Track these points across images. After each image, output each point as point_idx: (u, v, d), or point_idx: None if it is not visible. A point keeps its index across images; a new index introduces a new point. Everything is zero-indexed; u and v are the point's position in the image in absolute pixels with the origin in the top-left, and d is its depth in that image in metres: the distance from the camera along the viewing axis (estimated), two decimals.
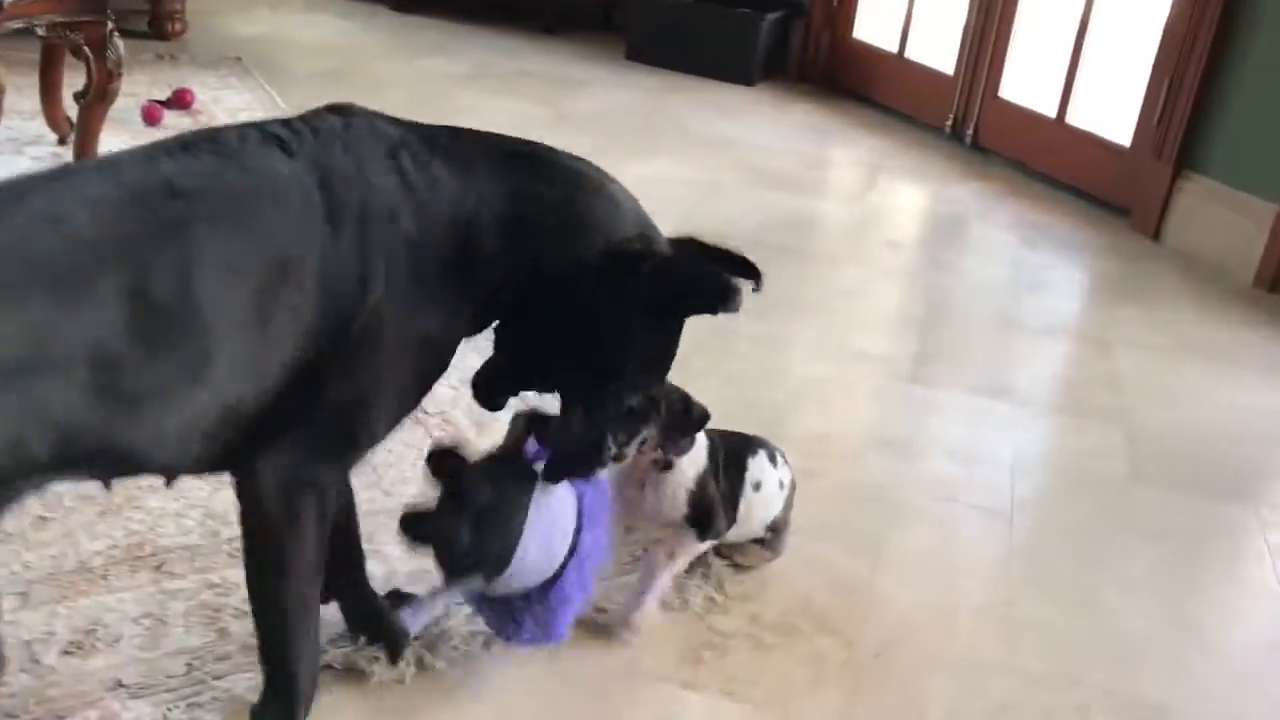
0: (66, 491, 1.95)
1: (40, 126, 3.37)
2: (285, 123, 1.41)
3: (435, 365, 1.47)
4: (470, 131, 1.50)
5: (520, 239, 1.43)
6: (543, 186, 1.47)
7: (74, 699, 1.57)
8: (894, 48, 4.56)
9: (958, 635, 1.88)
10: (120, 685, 1.60)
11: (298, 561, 1.42)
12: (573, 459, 1.57)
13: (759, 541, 1.95)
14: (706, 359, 2.50)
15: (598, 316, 1.46)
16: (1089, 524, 2.20)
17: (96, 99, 2.84)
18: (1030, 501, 2.25)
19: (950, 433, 2.44)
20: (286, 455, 1.37)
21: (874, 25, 4.68)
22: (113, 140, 3.02)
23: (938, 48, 4.38)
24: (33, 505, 1.88)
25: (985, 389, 2.63)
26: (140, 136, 3.44)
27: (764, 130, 4.24)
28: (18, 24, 2.56)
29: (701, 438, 1.83)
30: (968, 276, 3.28)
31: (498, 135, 1.51)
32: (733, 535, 1.89)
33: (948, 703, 1.74)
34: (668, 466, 1.76)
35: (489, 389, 1.58)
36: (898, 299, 3.05)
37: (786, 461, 1.98)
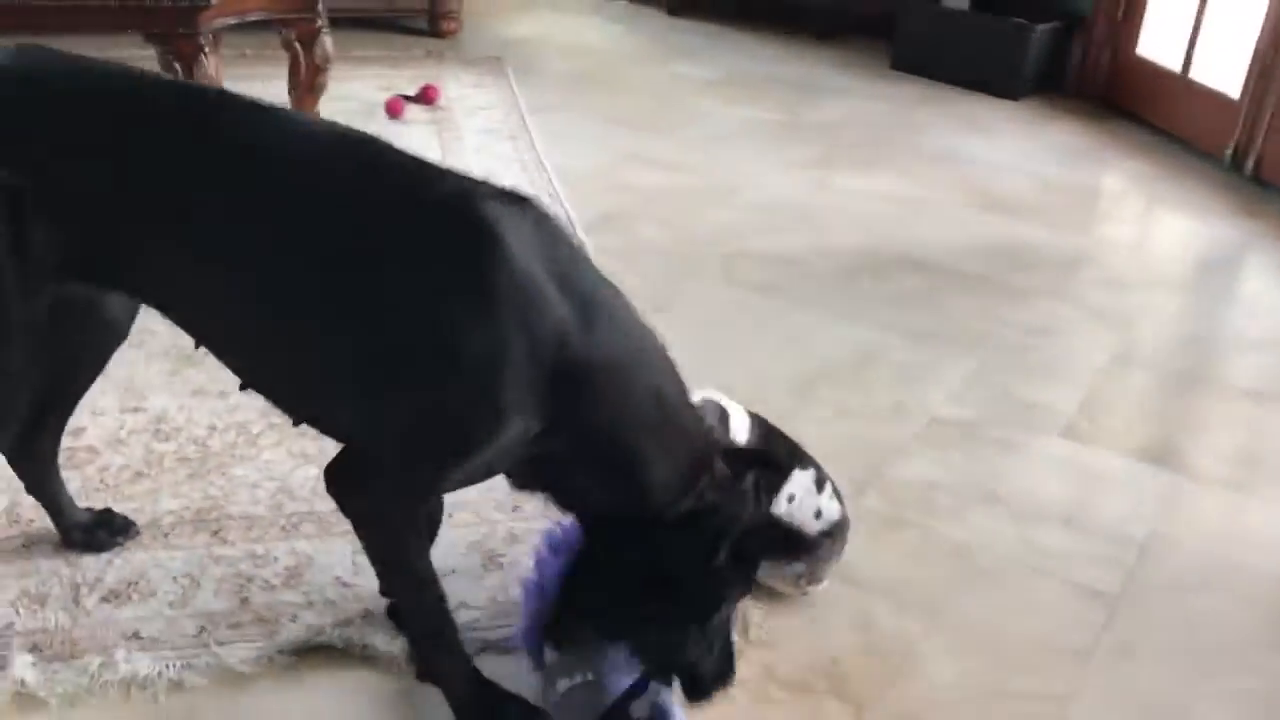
0: (171, 451, 2.13)
1: None
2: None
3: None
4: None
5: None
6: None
7: (90, 643, 1.70)
8: (1177, 66, 4.13)
9: (981, 715, 1.69)
10: (136, 637, 1.72)
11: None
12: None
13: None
14: (833, 386, 2.41)
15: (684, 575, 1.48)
16: (1216, 634, 1.91)
17: (305, 91, 3.06)
18: (1151, 591, 1.98)
19: (1081, 498, 2.19)
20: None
21: (1158, 41, 4.26)
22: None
23: (1225, 68, 3.93)
24: (135, 461, 2.08)
25: (1147, 452, 2.34)
26: (381, 129, 3.68)
27: (1008, 148, 3.97)
28: (230, 19, 2.80)
29: (745, 422, 1.81)
30: (1182, 323, 2.93)
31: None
32: None
33: None
34: None
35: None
36: (1086, 343, 2.76)
37: (838, 497, 1.89)
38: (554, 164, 3.51)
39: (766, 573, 1.83)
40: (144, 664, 1.68)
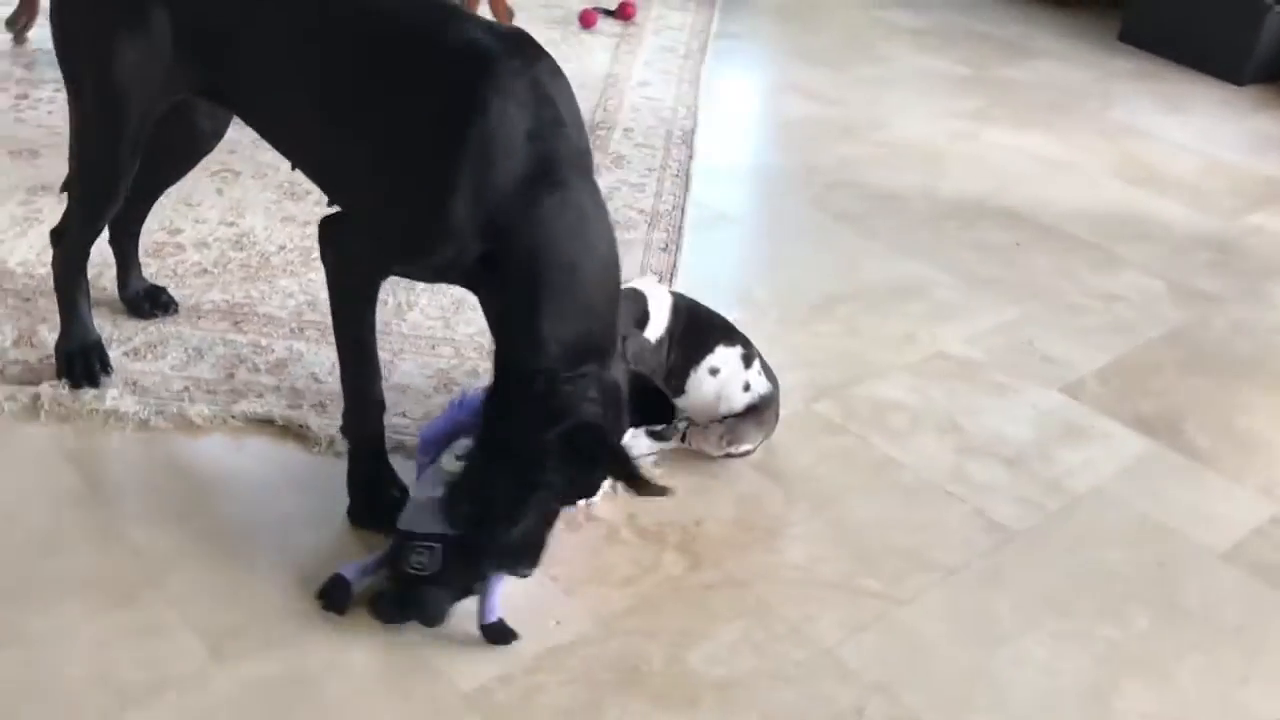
0: (239, 259, 2.48)
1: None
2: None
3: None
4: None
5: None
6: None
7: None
8: None
9: (805, 599, 1.77)
10: (134, 384, 2.07)
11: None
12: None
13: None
14: (855, 308, 2.51)
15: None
16: (1095, 584, 1.88)
17: None
18: (1056, 535, 1.95)
19: (1042, 445, 2.17)
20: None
21: None
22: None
23: None
24: (208, 261, 2.45)
25: (1143, 423, 2.26)
26: (569, 36, 3.96)
27: (1199, 130, 3.74)
28: None
29: (667, 305, 1.97)
30: (1263, 318, 2.73)
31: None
32: (682, 405, 1.97)
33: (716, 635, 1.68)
34: None
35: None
36: (1148, 317, 2.64)
37: (767, 373, 2.04)
38: (710, 84, 3.65)
39: (694, 434, 2.01)
40: (128, 404, 2.02)
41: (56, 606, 1.63)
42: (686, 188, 3.00)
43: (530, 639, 1.65)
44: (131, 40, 1.80)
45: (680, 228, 2.80)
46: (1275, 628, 1.82)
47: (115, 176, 1.92)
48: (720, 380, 2.00)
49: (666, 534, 1.87)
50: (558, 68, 1.68)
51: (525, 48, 1.65)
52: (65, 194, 2.15)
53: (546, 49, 1.68)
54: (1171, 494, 2.08)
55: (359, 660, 1.60)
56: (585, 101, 3.28)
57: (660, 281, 2.06)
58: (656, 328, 1.97)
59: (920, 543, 1.91)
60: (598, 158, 2.91)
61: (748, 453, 2.04)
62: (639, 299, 1.96)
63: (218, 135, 2.15)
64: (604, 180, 2.81)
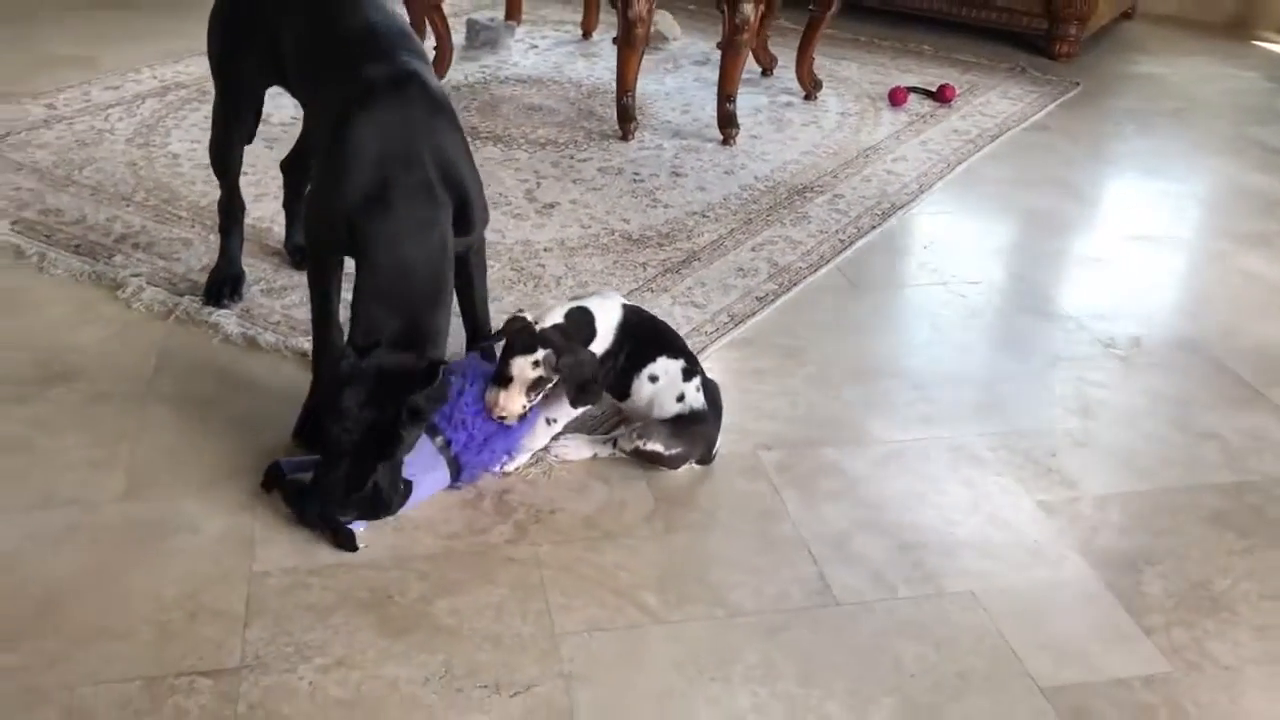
0: None
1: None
2: None
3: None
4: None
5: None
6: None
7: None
8: None
9: (581, 593, 1.90)
10: (245, 310, 2.66)
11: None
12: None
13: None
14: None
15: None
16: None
17: (726, 46, 3.64)
18: (872, 614, 1.90)
19: (971, 544, 2.07)
20: None
21: None
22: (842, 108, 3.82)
23: None
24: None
25: (1102, 559, 2.06)
26: (879, 113, 4.13)
27: None
28: None
29: (614, 321, 2.16)
30: None
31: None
32: (628, 408, 2.21)
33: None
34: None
35: None
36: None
37: (711, 405, 2.20)
38: (978, 171, 3.66)
39: (622, 435, 2.22)
40: (230, 323, 2.60)
41: (60, 423, 2.22)
42: (836, 254, 3.08)
43: (332, 551, 1.96)
44: (246, 52, 2.39)
45: (791, 284, 2.91)
46: None
47: (229, 142, 2.55)
48: (657, 387, 2.17)
49: (517, 511, 2.09)
50: (441, 109, 2.04)
51: (405, 89, 2.01)
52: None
53: (438, 94, 2.06)
54: (1055, 627, 1.91)
55: (212, 528, 2.01)
56: (812, 167, 3.49)
57: (618, 296, 2.25)
58: (603, 343, 2.17)
59: (733, 584, 1.95)
60: (788, 220, 3.14)
61: (657, 457, 2.17)
62: (586, 319, 2.15)
63: None
64: (774, 233, 3.10)
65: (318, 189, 2.13)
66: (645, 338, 2.20)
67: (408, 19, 2.30)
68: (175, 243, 2.94)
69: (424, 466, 2.05)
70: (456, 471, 2.09)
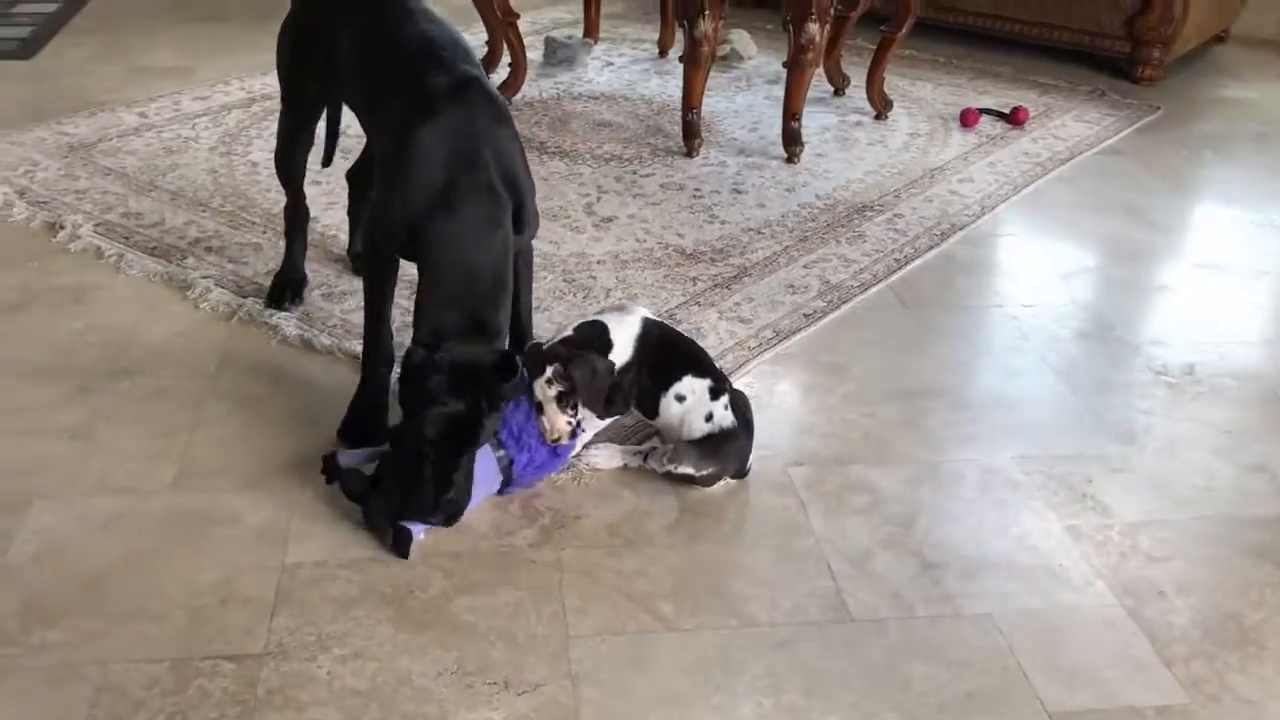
0: None
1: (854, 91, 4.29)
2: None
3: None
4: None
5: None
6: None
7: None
8: None
9: (597, 598, 1.94)
10: (304, 313, 2.76)
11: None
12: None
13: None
14: None
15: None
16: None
17: (791, 65, 3.66)
18: (887, 633, 1.90)
19: (993, 562, 2.07)
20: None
21: None
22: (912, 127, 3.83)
23: None
24: None
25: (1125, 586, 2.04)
26: (949, 134, 4.12)
27: None
28: None
29: (633, 334, 2.20)
30: None
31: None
32: (660, 426, 2.24)
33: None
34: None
35: None
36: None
37: (742, 422, 2.21)
38: (1043, 194, 3.63)
39: (653, 455, 2.25)
40: (290, 325, 2.70)
41: (122, 414, 2.34)
42: (890, 274, 3.08)
43: (363, 546, 2.04)
44: (310, 66, 2.49)
45: (841, 302, 2.92)
46: None
47: (292, 152, 2.66)
48: (685, 407, 2.20)
49: (543, 516, 2.14)
50: (500, 115, 2.11)
51: (466, 95, 2.08)
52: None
53: (497, 100, 2.14)
54: (1071, 653, 1.89)
55: (252, 519, 2.10)
56: (875, 186, 3.49)
57: (642, 310, 2.28)
58: (620, 355, 2.18)
59: (749, 595, 1.97)
60: (844, 238, 3.19)
61: (690, 478, 2.20)
62: (598, 331, 2.18)
63: None
64: (829, 251, 3.13)
65: (381, 195, 2.19)
66: (668, 354, 2.23)
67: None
68: (246, 247, 3.06)
69: (483, 479, 2.10)
70: (505, 483, 2.14)
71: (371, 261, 2.29)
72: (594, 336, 2.18)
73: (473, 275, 2.04)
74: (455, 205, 2.04)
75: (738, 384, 2.40)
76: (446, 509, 2.03)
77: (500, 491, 2.15)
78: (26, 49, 4.58)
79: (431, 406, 1.98)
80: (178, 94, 4.17)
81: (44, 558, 1.99)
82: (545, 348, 2.14)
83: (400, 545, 2.02)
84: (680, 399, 2.20)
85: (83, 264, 2.97)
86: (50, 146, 3.65)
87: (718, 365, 2.29)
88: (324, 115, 2.69)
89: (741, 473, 2.24)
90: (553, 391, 2.09)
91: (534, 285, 2.85)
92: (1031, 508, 2.22)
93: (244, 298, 2.80)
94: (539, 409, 2.13)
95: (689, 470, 2.20)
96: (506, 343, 2.10)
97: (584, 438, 2.23)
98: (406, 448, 2.03)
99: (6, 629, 1.84)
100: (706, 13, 3.54)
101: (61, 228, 3.11)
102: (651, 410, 2.23)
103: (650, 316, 2.26)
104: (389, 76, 2.21)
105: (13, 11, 5.03)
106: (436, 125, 2.07)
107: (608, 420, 2.23)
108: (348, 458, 2.15)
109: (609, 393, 2.17)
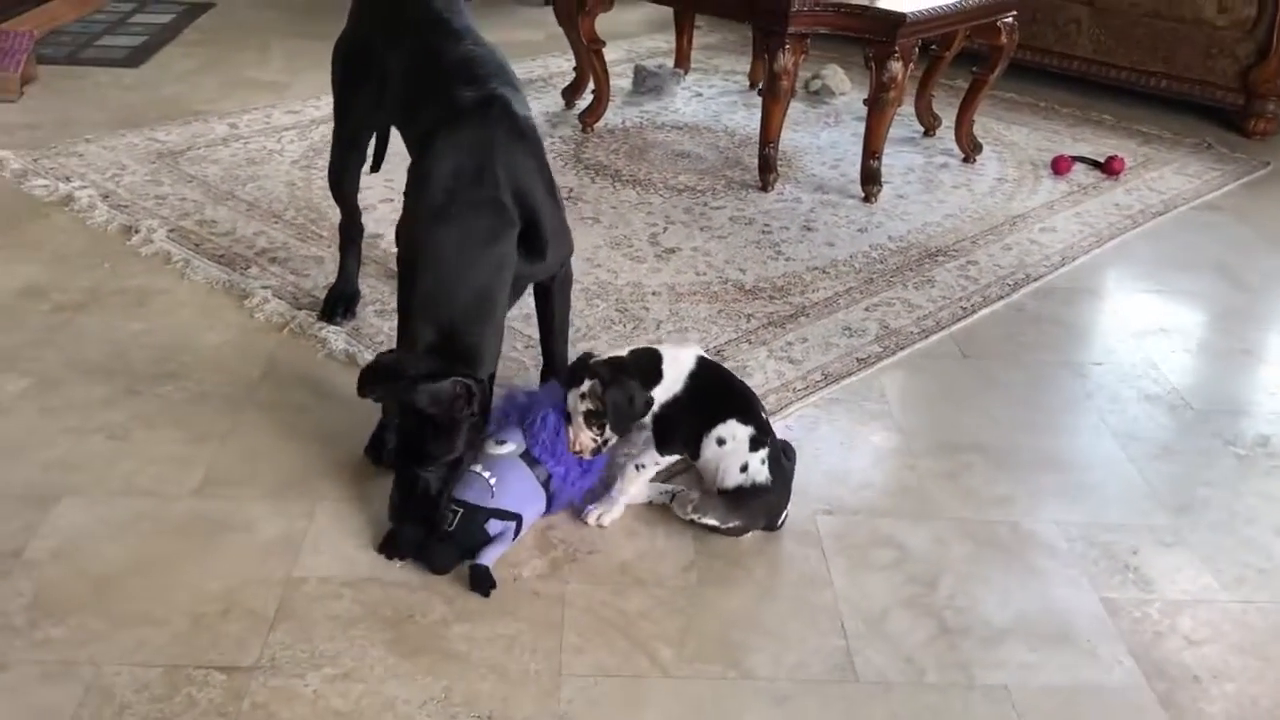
0: None
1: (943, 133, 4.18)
2: None
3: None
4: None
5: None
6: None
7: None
8: None
9: (592, 634, 1.90)
10: (355, 328, 2.79)
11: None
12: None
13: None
14: None
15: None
16: None
17: (871, 104, 3.59)
18: (889, 695, 1.82)
19: (1015, 631, 1.97)
20: None
21: None
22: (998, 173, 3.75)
23: None
24: None
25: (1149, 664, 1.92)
26: (1039, 180, 4.01)
27: None
28: (819, 29, 3.50)
29: (685, 370, 2.15)
30: None
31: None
32: (697, 466, 2.19)
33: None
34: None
35: None
36: None
37: (778, 478, 2.15)
38: (1131, 248, 3.50)
39: (675, 501, 2.19)
40: (337, 340, 2.72)
41: (160, 417, 2.37)
42: (954, 321, 2.99)
43: (371, 565, 2.03)
44: (361, 85, 2.53)
45: (898, 348, 2.83)
46: None
47: (344, 168, 2.70)
48: (723, 451, 2.13)
49: (555, 548, 2.10)
50: (520, 132, 2.10)
51: (488, 111, 2.08)
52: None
53: (520, 117, 2.14)
54: None
55: (268, 530, 2.11)
56: (952, 231, 3.40)
57: (696, 347, 2.24)
58: (670, 388, 2.15)
59: (753, 646, 1.91)
60: (911, 282, 3.14)
61: (715, 529, 2.15)
62: (653, 359, 2.16)
63: None
64: (893, 294, 3.07)
65: (404, 209, 2.21)
66: (719, 393, 2.18)
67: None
68: (309, 260, 3.10)
69: (530, 499, 2.09)
70: (549, 502, 2.12)
71: (401, 272, 2.29)
72: (646, 364, 2.14)
73: (450, 286, 2.03)
74: (452, 216, 2.04)
75: (777, 425, 2.34)
76: (416, 512, 2.02)
77: (547, 510, 2.12)
78: (135, 57, 4.75)
79: (386, 418, 2.02)
80: (270, 107, 4.27)
81: (61, 554, 2.02)
82: (592, 361, 2.11)
83: (481, 577, 1.97)
84: (721, 442, 2.13)
85: (152, 268, 3.04)
86: (141, 152, 3.77)
87: (764, 415, 2.21)
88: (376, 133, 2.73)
89: (772, 527, 2.17)
90: (583, 408, 2.07)
91: (586, 312, 2.85)
92: (1067, 576, 2.11)
93: (298, 309, 2.83)
94: (568, 418, 2.10)
95: (713, 522, 2.14)
96: (489, 366, 2.08)
97: (644, 474, 2.17)
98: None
99: (14, 623, 1.87)
100: (787, 46, 3.49)
101: (136, 231, 3.20)
102: (695, 450, 2.16)
103: (706, 356, 2.21)
104: (426, 92, 2.23)
105: (129, 21, 5.22)
106: (454, 136, 2.09)
107: (667, 460, 2.18)
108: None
109: (667, 433, 2.14)
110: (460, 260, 2.03)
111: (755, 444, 2.14)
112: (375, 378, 2.02)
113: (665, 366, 2.16)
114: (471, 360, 2.03)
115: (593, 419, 2.08)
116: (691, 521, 2.15)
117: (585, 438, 2.09)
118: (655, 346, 2.20)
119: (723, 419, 2.14)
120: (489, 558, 2.00)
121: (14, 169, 3.57)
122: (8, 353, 2.62)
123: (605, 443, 2.12)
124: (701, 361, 2.20)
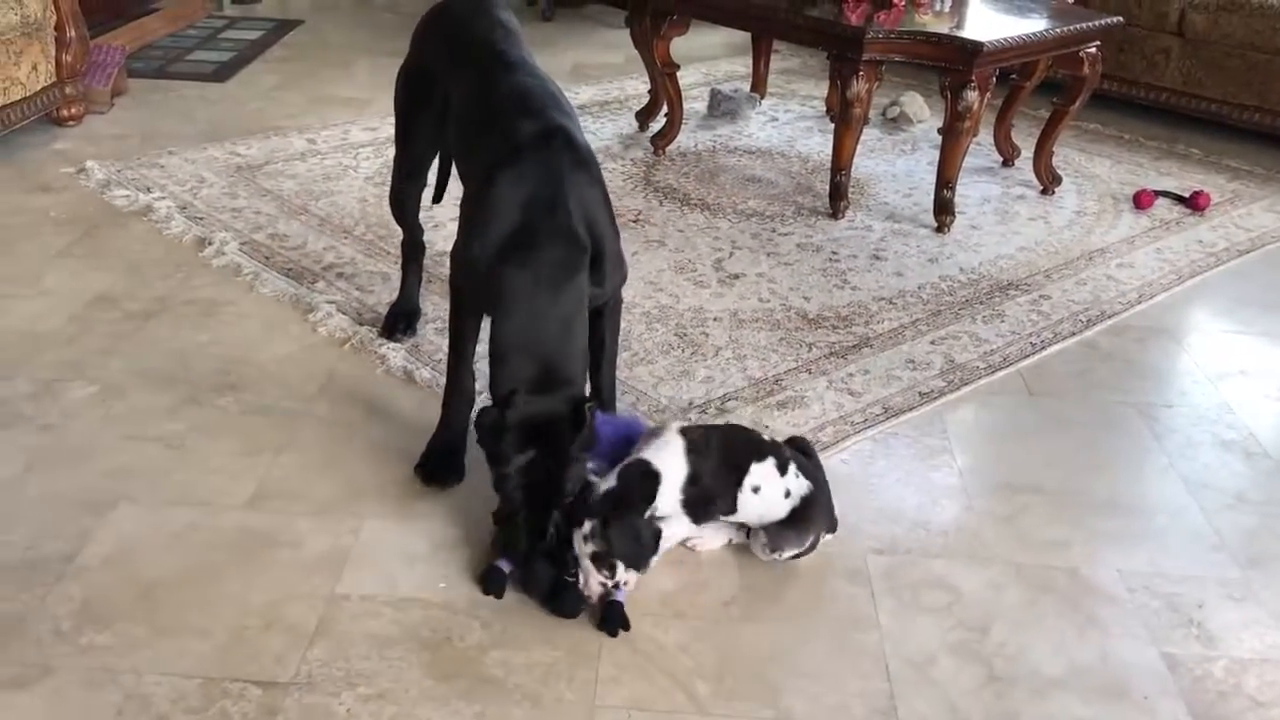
0: None
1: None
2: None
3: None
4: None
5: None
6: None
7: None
8: None
9: (635, 668, 1.88)
10: (415, 346, 2.80)
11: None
12: None
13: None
14: None
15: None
16: None
17: (946, 133, 3.53)
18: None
19: (1060, 687, 1.90)
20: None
21: None
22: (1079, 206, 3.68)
23: None
24: None
25: None
26: (1119, 214, 3.91)
27: None
28: (894, 56, 3.45)
29: (678, 450, 2.07)
30: None
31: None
32: (740, 519, 2.13)
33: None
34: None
35: None
36: None
37: (811, 477, 2.12)
38: (1194, 297, 3.39)
39: (752, 540, 2.16)
40: (396, 356, 2.74)
41: (218, 428, 2.40)
42: (1023, 358, 2.91)
43: (414, 585, 2.02)
44: (423, 110, 2.55)
45: (962, 383, 2.77)
46: None
47: (404, 190, 2.74)
48: (763, 496, 2.08)
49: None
50: (583, 161, 2.10)
51: (551, 142, 2.08)
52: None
53: (581, 147, 2.12)
54: None
55: (314, 545, 2.12)
56: (1025, 264, 3.33)
57: (673, 425, 2.14)
58: (678, 474, 2.04)
59: (793, 687, 1.86)
60: (980, 316, 3.08)
61: (797, 556, 2.11)
62: (641, 470, 2.03)
63: None
64: (960, 328, 3.01)
65: (462, 238, 2.20)
66: (729, 450, 2.10)
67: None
68: (375, 276, 3.13)
69: None
70: None
71: (456, 301, 2.29)
72: (639, 479, 2.03)
73: (544, 322, 2.02)
74: (531, 247, 2.03)
75: (827, 460, 2.30)
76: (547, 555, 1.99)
77: None
78: (222, 72, 4.86)
79: (507, 467, 1.98)
80: (350, 124, 4.34)
81: (112, 561, 2.05)
82: (589, 500, 1.99)
83: (616, 618, 1.95)
84: (756, 490, 2.08)
85: (221, 279, 3.09)
86: (220, 165, 3.85)
87: (765, 435, 2.18)
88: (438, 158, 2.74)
89: (833, 526, 2.15)
90: (588, 549, 1.97)
91: (645, 336, 2.83)
92: (1127, 627, 2.03)
93: (361, 325, 2.86)
94: (575, 560, 2.00)
95: (794, 551, 2.10)
96: (581, 389, 2.07)
97: (672, 540, 2.10)
98: (509, 520, 2.04)
99: (61, 629, 1.90)
100: (860, 74, 3.45)
101: (210, 243, 3.25)
102: (729, 507, 2.10)
103: (687, 426, 2.15)
104: (483, 124, 2.23)
105: (220, 37, 5.35)
106: (518, 169, 2.08)
107: (697, 529, 2.13)
108: (508, 563, 2.06)
109: (699, 511, 2.08)
110: (548, 293, 2.03)
111: (782, 468, 2.09)
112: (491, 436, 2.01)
113: (658, 466, 2.04)
114: (574, 388, 2.04)
115: (600, 560, 1.95)
116: (774, 560, 2.11)
117: (594, 582, 1.96)
118: (637, 457, 2.07)
119: (746, 469, 2.07)
120: (623, 595, 1.97)
121: (98, 178, 3.67)
122: (76, 359, 2.67)
123: (617, 584, 1.97)
124: (689, 434, 2.10)
